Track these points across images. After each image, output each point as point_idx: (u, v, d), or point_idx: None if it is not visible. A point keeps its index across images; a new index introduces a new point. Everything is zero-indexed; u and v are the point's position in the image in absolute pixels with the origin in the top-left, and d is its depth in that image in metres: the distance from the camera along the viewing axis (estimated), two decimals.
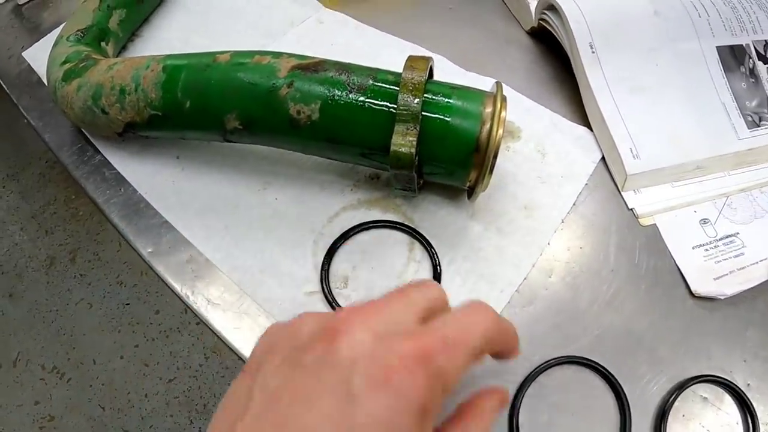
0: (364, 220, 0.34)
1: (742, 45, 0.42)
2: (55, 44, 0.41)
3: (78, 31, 0.41)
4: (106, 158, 0.39)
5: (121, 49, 0.44)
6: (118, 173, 0.39)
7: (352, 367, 0.17)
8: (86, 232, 1.21)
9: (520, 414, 0.30)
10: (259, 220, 0.35)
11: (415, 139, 0.29)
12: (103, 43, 0.42)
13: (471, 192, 0.33)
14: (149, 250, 0.36)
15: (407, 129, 0.29)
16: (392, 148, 0.29)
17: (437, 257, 0.33)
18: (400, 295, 0.20)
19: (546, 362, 0.31)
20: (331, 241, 0.33)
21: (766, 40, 0.43)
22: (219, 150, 0.38)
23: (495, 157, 0.30)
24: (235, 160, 0.37)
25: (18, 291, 1.14)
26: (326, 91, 0.31)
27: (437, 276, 0.32)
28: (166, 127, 0.35)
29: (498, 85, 0.31)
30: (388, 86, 0.31)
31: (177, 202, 0.36)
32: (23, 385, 1.05)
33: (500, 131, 0.30)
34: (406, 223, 0.34)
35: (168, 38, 0.44)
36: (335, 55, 0.33)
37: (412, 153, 0.29)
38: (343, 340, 0.18)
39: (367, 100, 0.30)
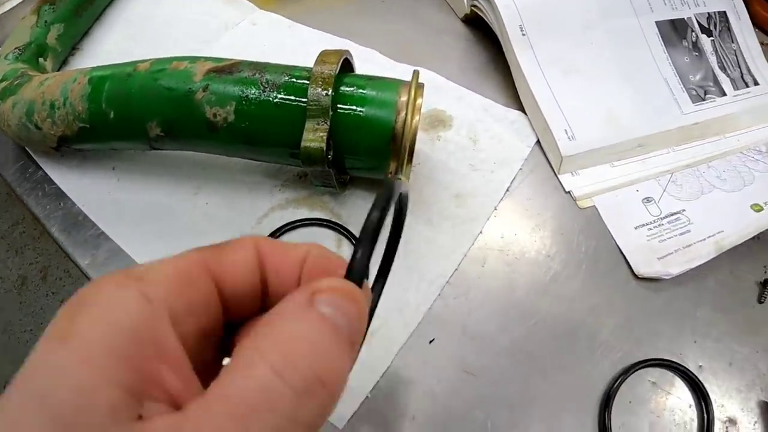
0: (292, 220, 0.33)
1: (683, 18, 0.41)
2: None
3: (16, 48, 0.42)
4: (46, 173, 0.40)
5: (62, 63, 0.45)
6: (58, 188, 0.39)
7: None
8: (55, 250, 1.20)
9: None
10: (191, 225, 0.35)
11: (325, 133, 0.29)
12: (41, 59, 0.42)
13: None
14: (86, 261, 0.36)
15: (317, 124, 0.29)
16: (302, 144, 0.29)
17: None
18: None
19: None
20: None
21: (708, 13, 0.42)
22: (153, 159, 0.38)
23: (413, 145, 0.30)
24: (169, 168, 0.37)
25: None
26: (240, 92, 0.30)
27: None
28: (94, 139, 0.35)
29: (414, 72, 0.31)
30: (301, 81, 0.30)
31: (113, 212, 0.36)
32: None
33: (416, 118, 0.29)
34: (332, 219, 0.33)
35: (108, 50, 0.44)
36: (268, 56, 0.32)
37: (322, 148, 0.28)
38: None
39: (281, 97, 0.30)
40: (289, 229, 0.33)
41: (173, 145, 0.34)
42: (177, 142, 0.33)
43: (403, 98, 0.30)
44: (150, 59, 0.34)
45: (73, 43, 0.45)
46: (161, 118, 0.32)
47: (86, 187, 0.38)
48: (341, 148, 0.30)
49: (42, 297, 1.16)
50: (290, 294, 0.13)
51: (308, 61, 0.32)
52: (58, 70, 0.44)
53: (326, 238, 0.33)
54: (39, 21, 0.43)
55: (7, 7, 0.49)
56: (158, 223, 0.35)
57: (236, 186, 0.35)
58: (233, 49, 0.42)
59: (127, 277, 0.13)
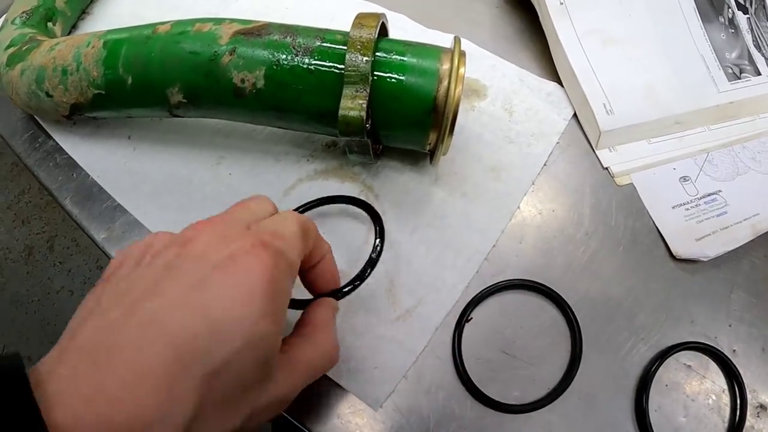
0: (321, 192, 0.32)
1: None
2: (1, 29, 0.39)
3: (23, 12, 0.39)
4: (57, 143, 0.38)
5: (72, 28, 0.42)
6: (70, 158, 0.37)
7: (200, 260, 0.19)
8: (62, 219, 1.19)
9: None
10: (213, 196, 0.33)
11: (365, 101, 0.27)
12: (50, 24, 0.40)
13: (432, 155, 0.31)
14: (103, 235, 0.34)
15: (356, 91, 0.27)
16: (340, 112, 0.27)
17: (380, 241, 0.29)
18: (240, 206, 0.23)
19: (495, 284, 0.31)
20: None
21: None
22: (171, 126, 0.36)
23: (455, 116, 0.28)
24: (188, 136, 0.35)
25: None
26: (270, 56, 0.29)
27: (375, 258, 0.28)
28: (110, 107, 0.33)
29: (456, 40, 0.29)
30: (336, 46, 0.29)
31: (129, 183, 0.35)
32: None
33: (459, 88, 0.28)
34: (359, 197, 0.32)
35: (119, 14, 0.42)
36: (290, 18, 0.31)
37: (362, 117, 0.27)
38: (193, 243, 0.20)
39: (314, 62, 0.28)
40: (315, 206, 0.32)
41: (196, 113, 0.32)
42: (200, 109, 0.32)
43: (445, 66, 0.28)
44: (170, 21, 0.32)
45: (82, 6, 0.42)
46: (184, 83, 0.30)
47: (100, 157, 0.36)
48: (378, 118, 0.29)
49: (50, 267, 1.14)
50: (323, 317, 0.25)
51: (333, 25, 0.31)
52: (69, 34, 0.42)
53: (358, 216, 0.32)
54: None
55: None
56: (177, 194, 0.34)
57: (261, 156, 0.34)
58: (252, 11, 0.39)
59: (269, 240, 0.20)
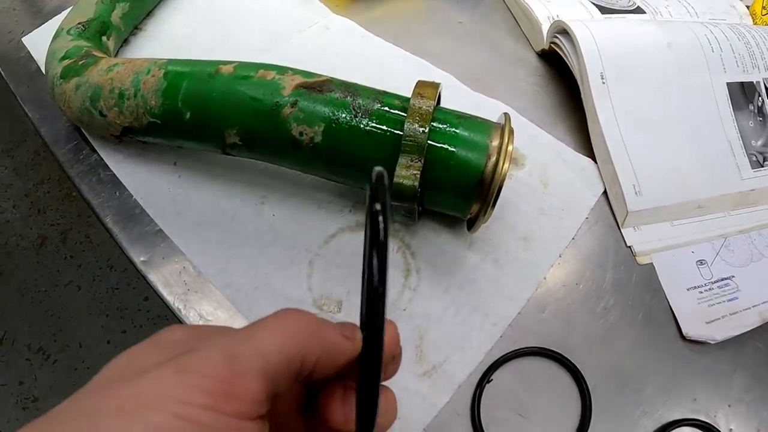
0: (362, 244, 0.33)
1: (752, 82, 0.41)
2: (56, 36, 0.40)
3: (79, 24, 0.40)
4: (102, 158, 0.39)
5: (123, 43, 0.43)
6: (114, 175, 0.38)
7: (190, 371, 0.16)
8: (78, 214, 1.19)
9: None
10: (255, 235, 0.34)
11: (419, 172, 0.29)
12: (104, 38, 0.41)
13: (471, 223, 0.32)
14: (142, 258, 0.35)
15: (411, 161, 0.29)
16: (395, 180, 0.28)
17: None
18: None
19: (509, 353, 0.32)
20: (325, 263, 0.33)
21: None
22: (217, 159, 0.37)
23: (499, 191, 0.30)
24: (234, 171, 0.37)
25: (7, 269, 1.13)
26: (331, 114, 0.30)
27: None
28: (164, 136, 0.35)
29: (506, 117, 0.31)
30: (394, 111, 0.30)
31: (172, 210, 0.36)
32: (8, 365, 1.04)
33: (506, 165, 0.29)
34: (400, 252, 0.33)
35: (172, 35, 0.43)
36: (340, 64, 0.32)
37: (415, 186, 0.28)
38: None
39: (372, 124, 0.30)
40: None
41: (248, 155, 0.33)
42: (254, 152, 0.33)
43: (495, 143, 0.30)
44: (234, 62, 0.33)
45: (136, 23, 0.43)
46: (242, 127, 0.32)
47: (144, 179, 0.37)
48: (427, 184, 0.30)
49: (60, 260, 1.14)
50: None
51: (382, 76, 0.32)
52: (119, 50, 0.43)
53: (395, 267, 0.33)
54: None
55: None
56: (219, 228, 0.35)
57: (305, 201, 0.35)
58: (304, 52, 0.41)
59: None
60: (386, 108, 0.30)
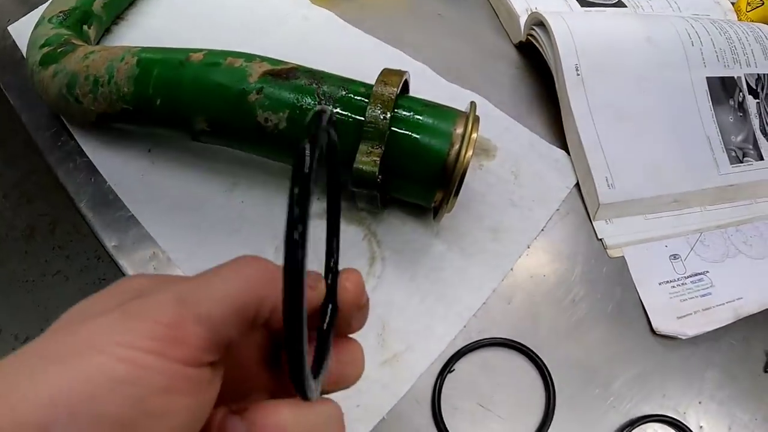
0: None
1: (733, 77, 0.41)
2: (38, 24, 0.41)
3: (61, 12, 0.41)
4: (79, 145, 0.39)
5: (105, 32, 0.44)
6: (90, 161, 0.38)
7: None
8: (66, 204, 1.20)
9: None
10: (224, 221, 0.34)
11: (378, 158, 0.29)
12: (85, 27, 0.41)
13: (436, 211, 0.32)
14: (114, 243, 0.36)
15: (372, 147, 0.29)
16: (355, 165, 0.29)
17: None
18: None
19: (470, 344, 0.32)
20: None
21: (758, 74, 0.42)
22: (190, 147, 0.37)
23: (462, 179, 0.30)
24: (206, 158, 0.37)
25: None
26: (295, 100, 0.30)
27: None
28: (136, 122, 0.35)
29: (472, 105, 0.31)
30: (358, 98, 0.30)
31: (145, 196, 0.36)
32: None
33: (469, 153, 0.29)
34: (366, 240, 0.33)
35: (153, 26, 0.43)
36: (317, 55, 0.32)
37: (374, 171, 0.28)
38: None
39: (336, 111, 0.30)
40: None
41: (217, 142, 0.33)
42: (221, 139, 0.33)
43: (459, 130, 0.30)
44: (204, 50, 0.33)
45: (117, 12, 0.44)
46: (210, 114, 0.32)
47: (119, 166, 0.37)
48: (390, 172, 0.30)
49: (48, 250, 1.15)
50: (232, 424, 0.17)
51: (359, 67, 0.32)
52: (101, 40, 0.43)
53: (361, 255, 0.33)
54: None
55: None
56: (191, 213, 0.35)
57: (274, 188, 0.35)
58: (282, 43, 0.41)
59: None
60: (351, 95, 0.30)
